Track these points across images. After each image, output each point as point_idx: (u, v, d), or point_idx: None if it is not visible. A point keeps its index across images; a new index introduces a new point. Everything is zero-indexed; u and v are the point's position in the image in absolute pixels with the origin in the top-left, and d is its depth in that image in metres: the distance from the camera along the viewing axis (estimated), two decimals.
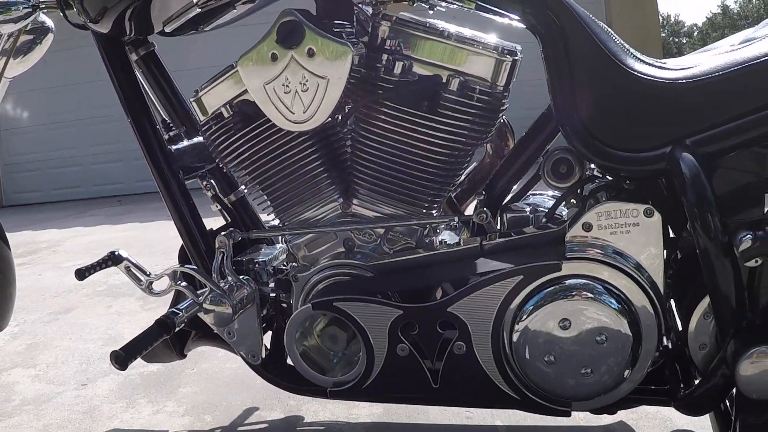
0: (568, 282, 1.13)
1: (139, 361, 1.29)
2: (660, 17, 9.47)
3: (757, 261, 1.01)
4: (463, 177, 1.44)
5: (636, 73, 1.15)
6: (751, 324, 1.06)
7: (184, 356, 1.58)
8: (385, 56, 1.19)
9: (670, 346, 1.24)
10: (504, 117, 1.40)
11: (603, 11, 7.75)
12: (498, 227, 1.32)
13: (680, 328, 1.21)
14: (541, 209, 1.32)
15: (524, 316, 1.14)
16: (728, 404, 1.21)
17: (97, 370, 2.11)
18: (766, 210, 1.11)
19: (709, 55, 1.21)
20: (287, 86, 1.16)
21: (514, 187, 1.39)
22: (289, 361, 1.36)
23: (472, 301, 1.16)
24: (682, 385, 1.19)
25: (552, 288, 1.13)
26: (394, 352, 1.21)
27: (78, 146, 8.14)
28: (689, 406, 1.16)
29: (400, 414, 1.59)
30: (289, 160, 1.26)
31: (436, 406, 1.32)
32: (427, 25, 1.21)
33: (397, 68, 1.18)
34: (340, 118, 1.28)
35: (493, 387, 1.19)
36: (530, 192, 1.38)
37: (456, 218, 1.30)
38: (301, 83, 1.16)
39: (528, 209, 1.32)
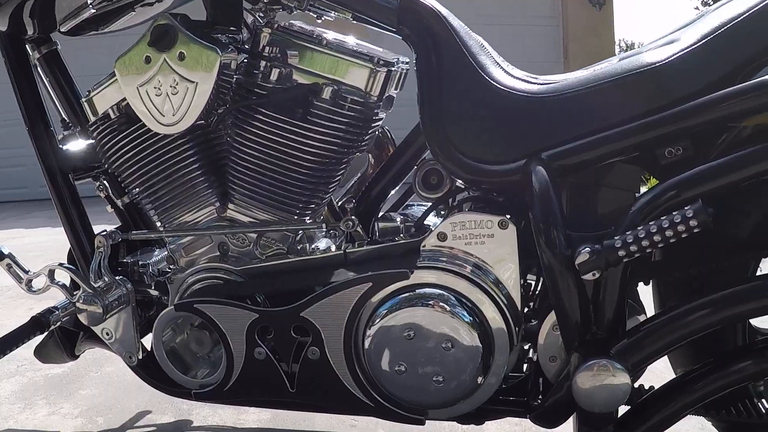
0: (418, 291, 1.13)
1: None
2: (617, 42, 9.56)
3: (595, 274, 1.00)
4: (349, 186, 1.45)
5: (498, 86, 1.16)
6: (594, 337, 1.06)
7: (76, 357, 1.57)
8: (263, 63, 1.20)
9: (533, 357, 1.24)
10: (385, 127, 1.42)
11: (560, 35, 7.83)
12: (371, 236, 1.31)
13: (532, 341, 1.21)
14: (412, 216, 1.32)
15: (374, 323, 1.13)
16: None
17: (3, 371, 2.09)
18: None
19: (588, 69, 1.22)
20: (159, 89, 1.17)
21: (396, 196, 1.40)
22: None
23: (324, 306, 1.16)
24: (539, 397, 1.19)
25: (401, 296, 1.13)
26: (252, 356, 1.21)
27: (24, 146, 7.88)
28: (542, 417, 1.16)
29: (286, 420, 1.58)
30: (168, 163, 1.26)
31: (294, 410, 1.31)
32: (308, 33, 1.22)
33: (274, 75, 1.19)
34: (213, 122, 1.28)
35: (347, 393, 1.18)
36: (408, 202, 1.38)
37: (323, 226, 1.30)
38: (171, 86, 1.16)
39: (399, 219, 1.32)
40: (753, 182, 1.05)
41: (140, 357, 1.38)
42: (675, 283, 1.22)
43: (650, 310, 1.21)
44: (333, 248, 1.29)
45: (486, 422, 1.24)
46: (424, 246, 1.17)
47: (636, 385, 1.17)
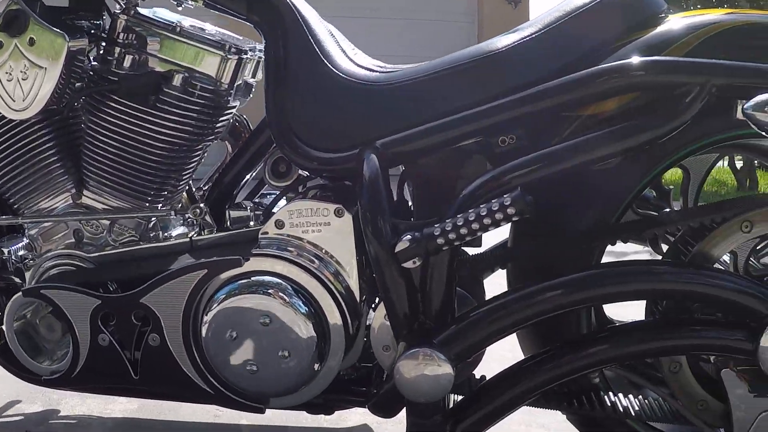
0: (254, 278, 1.13)
1: None
2: None
3: (415, 262, 1.00)
4: (210, 175, 1.43)
5: (339, 74, 1.16)
6: (422, 326, 1.05)
7: None
8: (117, 49, 1.19)
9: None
10: (243, 116, 1.41)
11: (475, 32, 7.77)
12: (225, 224, 1.30)
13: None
14: (261, 207, 1.31)
15: (211, 310, 1.12)
16: None
17: None
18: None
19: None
20: (10, 74, 1.15)
21: (254, 182, 1.38)
22: None
23: (163, 293, 1.15)
24: (375, 387, 1.19)
25: (237, 283, 1.13)
26: (97, 343, 1.19)
27: None
28: (378, 407, 1.16)
29: (152, 411, 1.57)
30: (24, 149, 1.24)
31: (141, 398, 1.30)
32: (163, 20, 1.21)
33: (127, 61, 1.19)
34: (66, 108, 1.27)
35: (188, 380, 1.17)
36: (263, 190, 1.37)
37: (172, 213, 1.28)
38: (22, 72, 1.14)
39: (250, 207, 1.30)
40: (592, 171, 1.07)
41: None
42: (526, 271, 1.22)
43: None
44: (175, 237, 1.28)
45: (243, 418, 1.22)
46: (262, 233, 1.16)
47: (479, 375, 1.18)
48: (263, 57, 1.23)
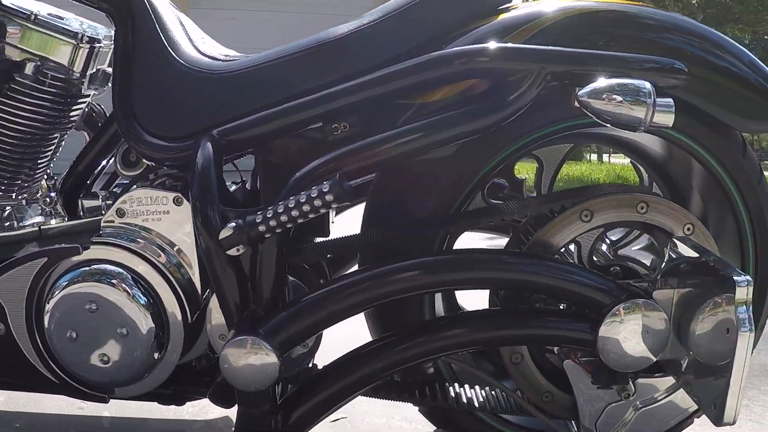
0: (93, 267, 1.10)
1: None
2: None
3: (239, 249, 0.97)
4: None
5: (182, 62, 1.14)
6: (251, 315, 1.03)
7: None
8: None
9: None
10: (101, 105, 1.38)
11: None
12: (79, 213, 1.27)
13: None
14: (112, 195, 1.28)
15: (52, 298, 1.10)
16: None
17: None
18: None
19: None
20: None
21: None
22: None
23: (5, 281, 1.12)
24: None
25: (76, 272, 1.10)
26: None
27: None
28: (215, 397, 1.14)
29: (18, 403, 1.53)
30: None
31: None
32: (19, 8, 1.17)
33: None
34: None
35: (33, 370, 1.15)
36: (119, 180, 1.34)
37: (23, 202, 1.26)
38: None
39: (102, 196, 1.28)
40: (431, 159, 1.06)
41: None
42: (372, 260, 1.17)
43: None
44: (22, 226, 1.25)
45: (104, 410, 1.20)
46: (105, 222, 1.14)
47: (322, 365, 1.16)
48: (113, 48, 1.21)
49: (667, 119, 0.94)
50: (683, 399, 1.15)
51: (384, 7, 1.12)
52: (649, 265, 1.29)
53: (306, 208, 0.94)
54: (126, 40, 1.15)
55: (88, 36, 1.19)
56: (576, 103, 0.96)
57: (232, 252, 0.98)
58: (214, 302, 1.10)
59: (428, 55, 1.00)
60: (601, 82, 0.94)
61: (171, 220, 1.12)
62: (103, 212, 1.22)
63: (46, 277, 1.11)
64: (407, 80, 1.01)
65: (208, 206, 1.01)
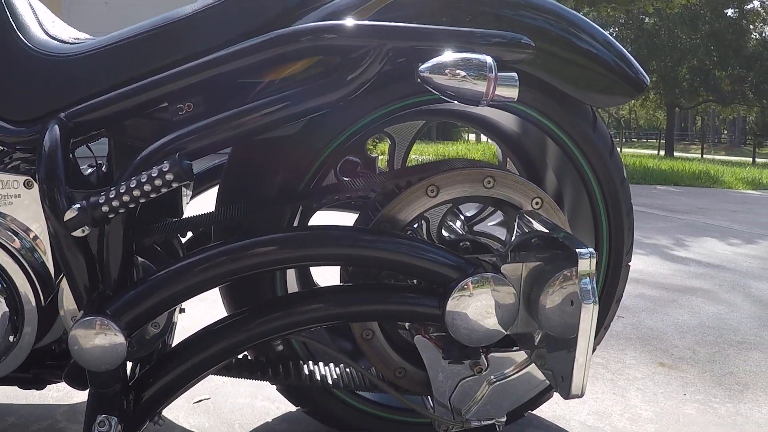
0: None
1: None
2: None
3: (84, 231, 0.97)
4: None
5: (29, 45, 1.11)
6: (100, 296, 1.03)
7: None
8: None
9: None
10: None
11: None
12: None
13: None
14: None
15: None
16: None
17: None
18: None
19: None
20: None
21: None
22: None
23: None
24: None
25: None
26: None
27: None
28: (70, 378, 1.12)
29: None
30: None
31: None
32: None
33: None
34: None
35: None
36: None
37: None
38: None
39: None
40: (278, 137, 1.06)
41: None
42: (222, 236, 1.17)
43: None
44: None
45: None
46: None
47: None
48: None
49: (510, 93, 0.97)
50: (535, 374, 1.19)
51: None
52: (503, 240, 1.34)
53: (147, 187, 0.94)
54: None
55: None
56: (418, 79, 0.98)
57: (78, 233, 0.98)
58: (65, 285, 1.08)
59: (271, 33, 1.01)
60: (443, 57, 0.97)
61: (22, 203, 1.09)
62: None
63: None
64: (251, 59, 1.02)
65: (54, 189, 1.00)
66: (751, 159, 21.86)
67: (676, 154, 24.83)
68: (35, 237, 1.11)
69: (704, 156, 24.32)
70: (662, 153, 26.13)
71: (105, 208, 0.95)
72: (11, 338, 1.09)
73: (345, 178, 1.28)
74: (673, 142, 25.72)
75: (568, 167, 1.25)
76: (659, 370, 1.96)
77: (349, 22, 1.01)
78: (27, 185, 1.09)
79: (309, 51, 1.02)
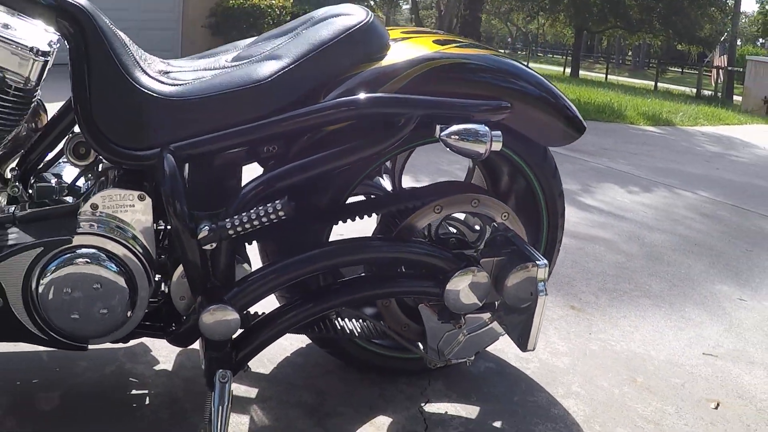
0: (79, 250, 1.48)
1: None
2: None
3: (212, 245, 1.43)
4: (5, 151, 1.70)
5: (138, 86, 1.51)
6: (213, 286, 1.49)
7: None
8: None
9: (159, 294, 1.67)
10: (40, 99, 1.70)
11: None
12: (30, 196, 1.62)
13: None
14: (64, 182, 1.66)
15: (45, 276, 1.46)
16: None
17: None
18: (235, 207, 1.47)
19: (209, 67, 1.63)
20: None
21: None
22: None
23: (5, 266, 1.43)
24: (172, 325, 1.64)
25: (65, 256, 1.47)
26: None
27: None
28: (176, 340, 1.62)
29: None
30: None
31: None
32: None
33: None
34: None
35: (26, 330, 1.52)
36: (60, 161, 1.70)
37: None
38: None
39: (54, 180, 1.65)
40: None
41: None
42: (273, 244, 1.70)
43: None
44: (5, 209, 1.59)
45: None
46: (80, 214, 1.52)
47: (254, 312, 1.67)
48: (69, 62, 1.50)
49: (497, 146, 1.53)
50: (495, 328, 1.79)
51: (294, 47, 1.59)
52: (470, 228, 1.91)
53: (264, 219, 1.44)
54: (82, 64, 1.48)
55: (41, 50, 1.43)
56: (437, 136, 1.53)
57: (207, 247, 1.46)
58: (176, 273, 1.56)
59: (329, 102, 1.51)
60: (455, 126, 1.51)
61: (135, 211, 1.53)
62: (55, 196, 1.61)
63: (40, 261, 1.47)
64: (315, 119, 1.52)
65: (181, 208, 1.46)
66: (653, 83, 23.08)
67: (581, 72, 25.96)
68: (144, 235, 1.54)
69: (608, 78, 25.51)
70: (568, 71, 27.32)
71: (231, 231, 1.44)
72: (129, 313, 1.53)
73: (372, 197, 1.82)
74: (579, 63, 26.80)
75: (522, 181, 1.85)
76: (570, 312, 2.61)
77: (388, 95, 1.53)
78: (140, 198, 1.52)
79: (359, 116, 1.52)
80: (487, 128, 1.51)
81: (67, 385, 1.83)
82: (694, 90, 20.42)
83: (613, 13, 25.06)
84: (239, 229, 1.44)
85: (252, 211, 1.45)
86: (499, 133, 1.53)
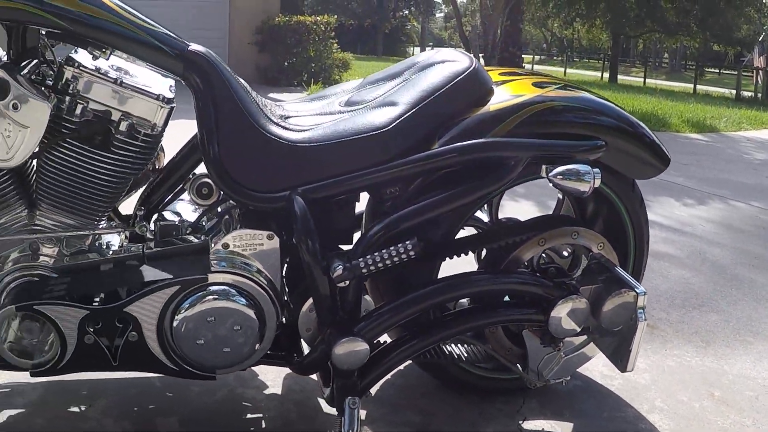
0: (212, 287, 1.62)
1: None
2: None
3: (345, 282, 1.56)
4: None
5: (267, 134, 1.65)
6: (342, 319, 1.61)
7: None
8: (68, 98, 1.49)
9: (284, 325, 1.79)
10: None
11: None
12: (154, 234, 1.70)
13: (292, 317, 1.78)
14: (186, 220, 1.75)
15: (181, 313, 1.61)
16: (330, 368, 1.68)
17: None
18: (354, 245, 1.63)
19: (325, 111, 1.79)
20: None
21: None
22: None
23: (142, 303, 1.54)
24: (295, 354, 1.79)
25: (200, 291, 1.62)
26: (83, 341, 1.53)
27: None
28: (301, 368, 1.76)
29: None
30: None
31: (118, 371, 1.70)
32: (104, 70, 1.51)
33: (78, 110, 1.50)
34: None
35: (158, 362, 1.66)
36: (178, 198, 1.85)
37: (125, 230, 1.74)
38: (5, 130, 1.43)
39: (176, 219, 1.79)
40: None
41: None
42: (390, 277, 1.80)
43: None
44: (125, 248, 1.72)
45: None
46: (212, 252, 1.66)
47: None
48: (194, 108, 1.63)
49: (597, 183, 1.69)
50: (589, 350, 1.95)
51: (408, 94, 1.74)
52: (558, 254, 2.05)
53: (396, 259, 1.60)
54: (208, 112, 1.60)
55: (167, 97, 1.55)
56: (544, 175, 1.68)
57: (341, 285, 1.61)
58: (304, 307, 1.71)
59: (454, 146, 1.65)
60: (561, 167, 1.66)
61: (264, 250, 1.68)
62: (175, 233, 1.75)
63: (176, 298, 1.60)
64: (434, 163, 1.67)
65: (313, 247, 1.60)
66: (690, 86, 22.92)
67: (618, 77, 25.94)
68: (273, 273, 1.68)
69: (646, 81, 25.44)
70: (605, 76, 27.32)
71: (365, 270, 1.59)
72: (257, 346, 1.67)
73: (479, 231, 1.97)
74: (617, 69, 26.82)
75: (610, 210, 2.01)
76: (645, 329, 2.71)
77: (500, 139, 1.68)
78: (269, 238, 1.67)
79: (474, 159, 1.67)
80: (590, 168, 1.66)
81: (183, 410, 1.92)
82: (733, 92, 20.19)
83: (649, 17, 25.02)
84: (372, 268, 1.59)
85: (384, 251, 1.59)
86: (598, 170, 1.67)
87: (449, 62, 1.81)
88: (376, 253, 1.60)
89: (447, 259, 1.83)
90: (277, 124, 1.70)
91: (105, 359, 1.63)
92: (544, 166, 1.68)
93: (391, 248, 1.59)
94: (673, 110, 11.57)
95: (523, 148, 1.67)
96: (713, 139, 9.41)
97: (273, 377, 2.10)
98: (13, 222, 1.59)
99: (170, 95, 1.58)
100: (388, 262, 1.59)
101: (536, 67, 33.84)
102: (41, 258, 1.61)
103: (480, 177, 1.68)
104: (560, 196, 2.15)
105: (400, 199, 1.72)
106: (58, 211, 1.58)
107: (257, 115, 1.67)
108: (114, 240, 1.77)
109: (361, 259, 1.60)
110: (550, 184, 1.68)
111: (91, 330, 1.58)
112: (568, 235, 1.84)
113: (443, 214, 1.71)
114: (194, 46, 1.59)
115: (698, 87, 22.79)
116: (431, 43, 57.37)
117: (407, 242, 1.59)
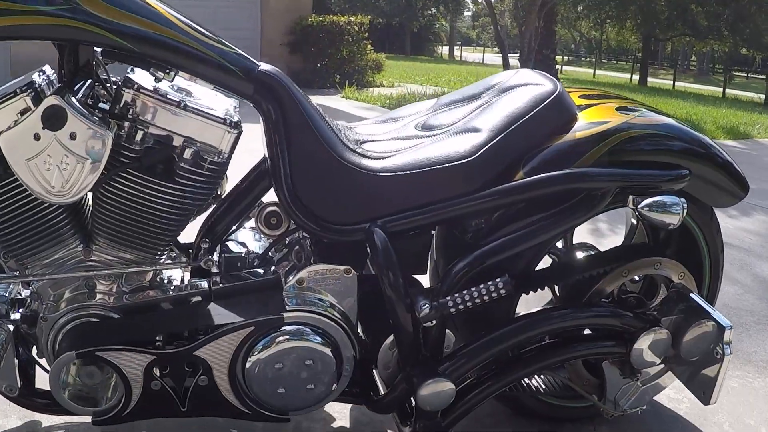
0: (287, 328, 1.57)
1: None
2: None
3: (431, 322, 1.52)
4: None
5: (344, 162, 1.58)
6: (425, 358, 1.58)
7: None
8: (127, 123, 1.39)
9: (359, 363, 1.73)
10: None
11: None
12: (219, 266, 1.64)
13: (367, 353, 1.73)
14: (253, 251, 1.70)
15: (254, 354, 1.55)
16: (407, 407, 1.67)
17: None
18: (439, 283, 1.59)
19: (401, 135, 1.73)
20: (48, 164, 1.32)
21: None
22: (39, 384, 1.58)
23: (214, 346, 1.50)
24: (372, 393, 1.70)
25: (275, 332, 1.56)
26: (149, 387, 1.50)
27: None
28: (378, 407, 1.72)
29: None
30: (37, 214, 1.43)
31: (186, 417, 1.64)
32: (167, 94, 1.41)
33: (138, 136, 1.40)
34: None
35: (230, 405, 1.61)
36: (240, 228, 1.79)
37: (188, 264, 1.66)
38: (62, 162, 1.33)
39: (242, 250, 1.73)
40: None
41: (19, 387, 1.56)
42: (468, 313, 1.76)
43: None
44: (191, 284, 1.64)
45: None
46: (287, 289, 1.61)
47: None
48: (263, 132, 1.52)
49: (684, 215, 1.65)
50: (664, 379, 1.91)
51: (492, 119, 1.68)
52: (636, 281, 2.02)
53: (486, 297, 1.55)
54: (280, 136, 1.52)
55: (233, 121, 1.45)
56: (631, 206, 1.65)
57: (427, 324, 1.56)
58: (384, 345, 1.66)
59: (544, 176, 1.60)
60: (650, 199, 1.62)
61: (341, 285, 1.63)
62: (239, 265, 1.69)
63: (250, 340, 1.51)
64: (523, 194, 1.62)
65: (396, 282, 1.55)
66: (719, 90, 23.08)
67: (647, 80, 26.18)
68: (350, 310, 1.63)
69: (675, 84, 25.64)
70: (635, 78, 27.44)
71: (453, 309, 1.54)
72: (334, 386, 1.62)
73: (555, 260, 1.94)
74: (647, 72, 27.21)
75: (687, 237, 1.96)
76: None
77: (588, 169, 1.63)
78: (346, 272, 1.62)
79: (562, 189, 1.63)
80: (677, 199, 1.63)
81: None
82: (762, 96, 20.38)
83: (680, 20, 25.12)
84: (461, 307, 1.55)
85: (474, 289, 1.55)
86: (685, 201, 1.65)
87: (532, 85, 1.77)
88: (465, 291, 1.55)
89: (530, 293, 1.80)
90: (354, 151, 1.64)
91: (173, 405, 1.58)
92: (631, 197, 1.65)
93: (481, 286, 1.55)
94: (707, 116, 11.44)
95: (610, 179, 1.64)
96: (748, 146, 9.24)
97: (339, 408, 2.06)
98: (67, 258, 1.52)
99: (236, 119, 1.49)
100: (477, 300, 1.55)
101: (565, 68, 33.92)
102: (98, 296, 1.55)
103: (567, 207, 1.65)
104: (634, 222, 2.11)
105: (482, 231, 1.67)
106: (116, 246, 1.51)
107: (333, 142, 1.60)
108: (176, 274, 1.71)
109: (449, 298, 1.55)
110: (640, 216, 1.64)
111: (158, 375, 1.54)
112: (651, 265, 1.81)
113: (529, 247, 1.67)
114: (264, 66, 1.52)
115: (727, 91, 23.01)
116: (459, 42, 56.87)
117: (498, 280, 1.54)
